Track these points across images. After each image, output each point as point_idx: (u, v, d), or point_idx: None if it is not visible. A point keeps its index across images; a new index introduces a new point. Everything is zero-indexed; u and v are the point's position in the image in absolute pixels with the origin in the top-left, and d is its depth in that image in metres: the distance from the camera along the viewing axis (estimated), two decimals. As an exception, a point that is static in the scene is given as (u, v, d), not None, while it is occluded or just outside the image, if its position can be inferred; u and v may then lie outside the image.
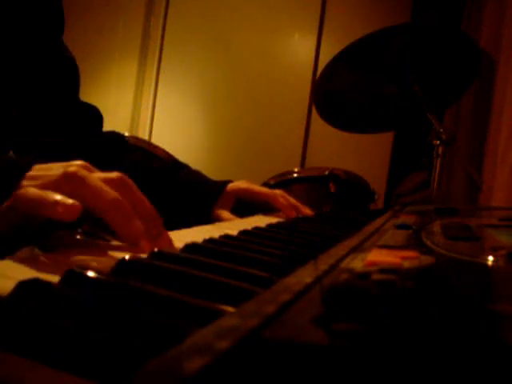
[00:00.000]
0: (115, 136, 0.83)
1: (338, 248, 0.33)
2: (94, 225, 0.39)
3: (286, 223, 0.60)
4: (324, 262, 0.27)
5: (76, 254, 0.31)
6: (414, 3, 2.30)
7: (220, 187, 0.78)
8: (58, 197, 0.33)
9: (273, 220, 0.63)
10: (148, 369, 0.13)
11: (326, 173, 1.43)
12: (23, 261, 0.27)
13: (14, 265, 0.27)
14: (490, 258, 0.31)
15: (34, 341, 0.17)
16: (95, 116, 0.81)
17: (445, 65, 1.40)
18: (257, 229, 0.47)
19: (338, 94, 1.49)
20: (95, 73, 2.70)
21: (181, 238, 0.40)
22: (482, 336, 0.16)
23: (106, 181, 0.36)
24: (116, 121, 2.64)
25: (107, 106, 2.60)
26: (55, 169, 0.37)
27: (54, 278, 0.22)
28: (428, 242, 0.37)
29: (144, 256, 0.29)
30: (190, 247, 0.33)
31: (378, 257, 0.29)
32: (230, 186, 0.79)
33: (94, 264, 0.29)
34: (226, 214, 0.76)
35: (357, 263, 0.27)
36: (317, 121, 1.89)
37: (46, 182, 0.35)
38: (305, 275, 0.23)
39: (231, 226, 0.58)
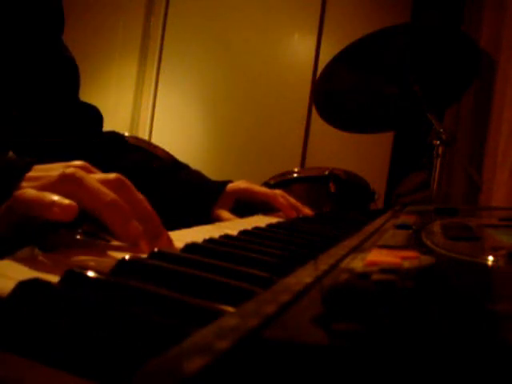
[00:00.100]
0: (115, 136, 0.83)
1: (337, 248, 0.33)
2: (93, 225, 0.39)
3: (286, 223, 0.60)
4: (324, 262, 0.27)
5: (76, 254, 0.31)
6: (414, 3, 2.30)
7: (220, 187, 0.78)
8: (55, 197, 0.33)
9: (273, 220, 0.63)
10: (148, 369, 0.13)
11: (326, 173, 1.43)
12: (23, 261, 0.27)
13: (14, 265, 0.27)
14: (490, 258, 0.31)
15: (33, 341, 0.17)
16: (95, 116, 0.81)
17: (445, 65, 1.40)
18: (257, 229, 0.47)
19: (338, 93, 1.49)
20: (95, 73, 2.70)
21: (181, 238, 0.40)
22: (482, 336, 0.16)
23: (104, 182, 0.36)
24: (116, 121, 2.64)
25: (107, 106, 2.60)
26: (55, 169, 0.37)
27: (54, 278, 0.22)
28: (428, 242, 0.37)
29: (144, 256, 0.29)
30: (190, 247, 0.33)
31: (378, 257, 0.29)
32: (230, 186, 0.79)
33: (94, 264, 0.29)
34: (225, 213, 0.76)
35: (357, 263, 0.27)
36: (317, 121, 1.89)
37: (44, 183, 0.35)
38: (305, 275, 0.23)
39: (231, 225, 0.58)
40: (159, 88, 2.76)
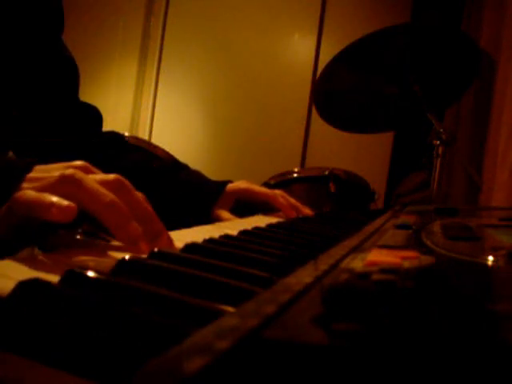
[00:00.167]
0: (115, 136, 0.83)
1: (337, 248, 0.33)
2: (93, 225, 0.39)
3: (286, 223, 0.60)
4: (324, 262, 0.27)
5: (76, 254, 0.31)
6: (414, 3, 2.30)
7: (220, 187, 0.78)
8: (54, 199, 0.33)
9: (273, 220, 0.63)
10: (148, 369, 0.13)
11: (326, 173, 1.43)
12: (23, 261, 0.27)
13: (14, 265, 0.27)
14: (490, 258, 0.31)
15: (34, 341, 0.17)
16: (95, 116, 0.81)
17: (445, 65, 1.40)
18: (257, 229, 0.47)
19: (338, 93, 1.49)
20: (95, 73, 2.70)
21: (181, 238, 0.40)
22: (482, 336, 0.16)
23: (103, 183, 0.36)
24: (116, 121, 2.64)
25: (107, 106, 2.60)
26: (55, 170, 0.37)
27: (54, 278, 0.22)
28: (428, 242, 0.37)
29: (144, 256, 0.29)
30: (190, 247, 0.33)
31: (378, 257, 0.29)
32: (230, 186, 0.79)
33: (94, 264, 0.29)
34: (225, 214, 0.76)
35: (357, 263, 0.27)
36: (317, 121, 1.89)
37: (44, 184, 0.35)
38: (305, 275, 0.23)
39: (231, 225, 0.58)
40: (159, 88, 2.76)
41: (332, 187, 1.41)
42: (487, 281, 0.27)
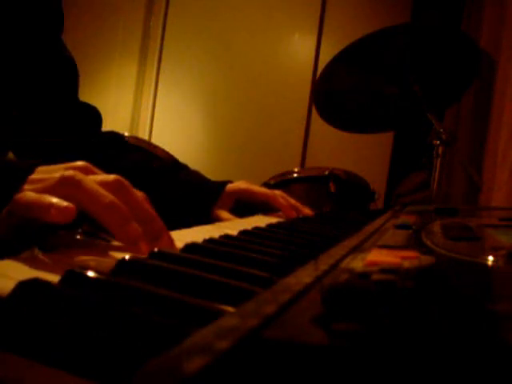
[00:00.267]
0: (115, 136, 0.83)
1: (337, 248, 0.33)
2: (93, 225, 0.39)
3: (286, 223, 0.60)
4: (324, 262, 0.27)
5: (76, 254, 0.31)
6: (414, 3, 2.30)
7: (219, 187, 0.78)
8: (54, 200, 0.33)
9: (273, 220, 0.63)
10: (148, 369, 0.13)
11: (326, 173, 1.43)
12: (23, 261, 0.27)
13: (14, 265, 0.27)
14: (490, 258, 0.31)
15: (34, 341, 0.17)
16: (94, 116, 0.81)
17: (445, 65, 1.40)
18: (257, 229, 0.47)
19: (338, 93, 1.49)
20: (95, 73, 2.71)
21: (181, 238, 0.40)
22: (482, 336, 0.16)
23: (103, 184, 0.36)
24: (116, 121, 2.64)
25: (107, 106, 2.60)
26: (56, 171, 0.37)
27: (54, 278, 0.22)
28: (428, 242, 0.37)
29: (144, 256, 0.29)
30: (190, 247, 0.33)
31: (378, 257, 0.29)
32: (230, 186, 0.79)
33: (94, 264, 0.29)
34: (225, 214, 0.76)
35: (357, 263, 0.27)
36: (317, 121, 1.89)
37: (45, 185, 0.36)
38: (305, 275, 0.23)
39: (231, 225, 0.58)
40: (159, 88, 2.76)
41: (332, 187, 1.41)
42: (487, 281, 0.27)
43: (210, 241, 0.37)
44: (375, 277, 0.24)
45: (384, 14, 2.29)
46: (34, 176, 0.37)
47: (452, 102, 1.62)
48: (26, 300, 0.19)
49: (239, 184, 0.80)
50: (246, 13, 2.62)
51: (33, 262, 0.27)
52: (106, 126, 0.83)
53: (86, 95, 0.84)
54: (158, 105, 2.76)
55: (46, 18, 0.71)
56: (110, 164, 0.50)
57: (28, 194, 0.34)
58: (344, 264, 0.27)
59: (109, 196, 0.35)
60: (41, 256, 0.29)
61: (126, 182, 0.38)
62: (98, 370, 0.15)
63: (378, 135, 1.95)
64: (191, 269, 0.25)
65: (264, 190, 0.80)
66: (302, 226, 0.57)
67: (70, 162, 0.39)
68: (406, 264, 0.27)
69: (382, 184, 2.19)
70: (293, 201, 0.80)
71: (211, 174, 0.86)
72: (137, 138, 1.68)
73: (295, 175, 1.49)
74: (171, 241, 0.39)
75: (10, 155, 0.69)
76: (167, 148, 1.46)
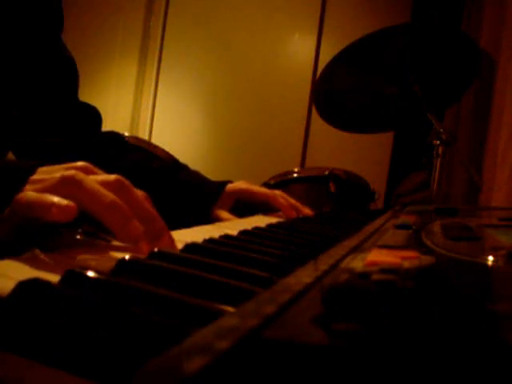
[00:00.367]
0: (115, 136, 0.83)
1: (337, 248, 0.33)
2: (93, 225, 0.39)
3: (286, 223, 0.60)
4: (324, 262, 0.27)
5: (76, 254, 0.31)
6: (414, 3, 2.30)
7: (219, 187, 0.78)
8: (55, 199, 0.33)
9: (273, 220, 0.63)
10: (148, 369, 0.13)
11: (326, 173, 1.43)
12: (23, 261, 0.27)
13: (14, 265, 0.27)
14: (490, 258, 0.31)
15: (34, 341, 0.17)
16: (94, 116, 0.81)
17: (445, 65, 1.40)
18: (257, 229, 0.47)
19: (338, 93, 1.49)
20: (95, 73, 2.71)
21: (181, 237, 0.40)
22: (482, 336, 0.16)
23: (104, 183, 0.36)
24: (116, 121, 2.64)
25: (107, 106, 2.60)
26: (57, 171, 0.37)
27: (54, 278, 0.22)
28: (428, 242, 0.37)
29: (144, 256, 0.29)
30: (190, 247, 0.33)
31: (378, 257, 0.29)
32: (230, 186, 0.79)
33: (94, 264, 0.29)
34: (225, 214, 0.76)
35: (357, 263, 0.27)
36: (317, 121, 1.89)
37: (46, 185, 0.36)
38: (305, 275, 0.23)
39: (231, 225, 0.58)
40: (159, 88, 2.76)
41: (332, 187, 1.41)
42: (487, 281, 0.27)
43: (210, 241, 0.37)
44: (375, 277, 0.24)
45: (384, 14, 2.29)
46: (35, 176, 0.38)
47: (452, 101, 1.62)
48: (26, 300, 0.19)
49: (239, 184, 0.80)
50: (246, 13, 2.62)
51: (33, 262, 0.27)
52: (106, 126, 0.83)
53: (86, 95, 0.84)
54: (158, 105, 2.76)
55: (45, 17, 0.71)
56: (110, 164, 0.50)
57: (29, 193, 0.35)
58: (344, 264, 0.27)
59: (110, 195, 0.35)
60: (41, 256, 0.29)
61: (127, 182, 0.38)
62: (98, 369, 0.15)
63: (378, 135, 1.95)
64: (191, 269, 0.25)
65: (264, 190, 0.80)
66: (302, 225, 0.57)
67: (71, 163, 0.39)
68: (406, 264, 0.27)
69: (381, 184, 2.19)
70: (293, 201, 0.80)
71: (211, 173, 0.86)
72: (137, 138, 1.68)
73: (295, 175, 1.49)
74: (172, 240, 0.39)
75: (10, 155, 0.69)
76: (167, 148, 1.46)
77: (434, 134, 1.35)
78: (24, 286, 0.19)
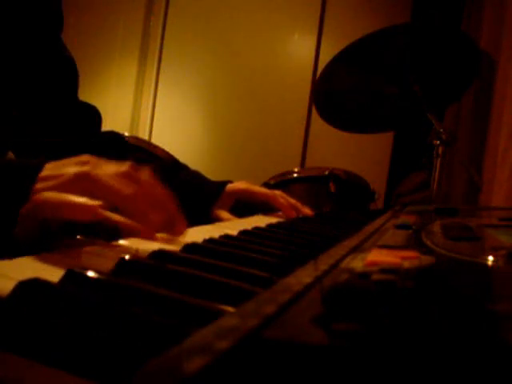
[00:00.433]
0: (115, 136, 0.83)
1: (337, 248, 0.33)
2: (93, 225, 0.39)
3: (286, 223, 0.60)
4: (324, 262, 0.27)
5: (76, 254, 0.31)
6: (414, 3, 2.30)
7: (219, 188, 0.78)
8: (81, 199, 0.33)
9: (273, 220, 0.63)
10: (148, 369, 0.13)
11: (326, 173, 1.43)
12: (23, 261, 0.27)
13: (14, 265, 0.27)
14: (490, 258, 0.31)
15: (34, 341, 0.17)
16: (94, 116, 0.81)
17: (445, 65, 1.40)
18: (257, 229, 0.47)
19: (338, 93, 1.49)
20: (95, 73, 2.70)
21: (181, 238, 0.40)
22: (482, 336, 0.16)
23: (118, 175, 0.37)
24: (116, 121, 2.64)
25: (107, 106, 2.60)
26: (66, 167, 0.37)
27: (54, 278, 0.22)
28: (428, 242, 0.37)
29: (143, 256, 0.29)
30: (190, 247, 0.33)
31: (378, 257, 0.29)
32: (230, 186, 0.79)
33: (94, 264, 0.29)
34: (225, 214, 0.76)
35: (357, 263, 0.27)
36: (317, 121, 1.89)
37: (59, 182, 0.36)
38: (305, 275, 0.23)
39: (231, 225, 0.58)
40: (159, 88, 2.76)
41: (332, 187, 1.41)
42: (487, 281, 0.27)
43: (210, 241, 0.37)
44: (375, 277, 0.24)
45: (384, 14, 2.29)
46: (44, 173, 0.37)
47: (452, 101, 1.62)
48: (26, 300, 0.19)
49: (239, 184, 0.80)
50: (246, 13, 2.62)
51: (33, 262, 0.27)
52: (106, 126, 0.83)
53: (86, 95, 0.84)
54: (158, 105, 2.76)
55: (45, 18, 0.71)
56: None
57: (48, 194, 0.34)
58: (344, 264, 0.27)
59: (126, 188, 0.36)
60: (41, 256, 0.29)
61: (139, 170, 0.39)
62: (98, 369, 0.15)
63: (378, 135, 1.95)
64: (191, 269, 0.25)
65: (264, 190, 0.80)
66: (302, 225, 0.57)
67: (74, 157, 0.39)
68: (406, 264, 0.27)
69: (381, 184, 2.19)
70: (293, 201, 0.80)
71: (211, 173, 0.86)
72: (137, 138, 1.68)
73: (295, 175, 1.49)
74: (185, 225, 0.39)
75: (10, 155, 0.69)
76: (167, 148, 1.46)
77: (433, 134, 1.35)
78: (24, 286, 0.19)
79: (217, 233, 0.40)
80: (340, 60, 1.36)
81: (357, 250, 0.32)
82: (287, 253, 0.33)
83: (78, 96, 0.79)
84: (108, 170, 0.38)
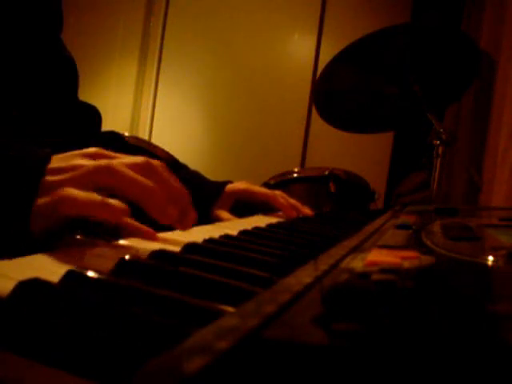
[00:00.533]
0: (114, 136, 0.83)
1: (337, 248, 0.33)
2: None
3: (286, 223, 0.60)
4: (324, 262, 0.27)
5: (76, 254, 0.31)
6: (414, 3, 2.30)
7: (219, 188, 0.78)
8: (111, 200, 0.34)
9: (273, 220, 0.63)
10: (148, 369, 0.13)
11: (326, 173, 1.43)
12: (23, 261, 0.27)
13: (14, 265, 0.27)
14: (490, 258, 0.31)
15: (33, 341, 0.17)
16: (94, 116, 0.81)
17: (445, 65, 1.40)
18: (257, 229, 0.47)
19: (338, 93, 1.49)
20: (95, 73, 2.70)
21: (181, 238, 0.40)
22: (482, 336, 0.16)
23: (134, 167, 0.37)
24: (116, 121, 2.64)
25: (107, 106, 2.60)
26: (77, 159, 0.37)
27: (54, 278, 0.22)
28: (428, 242, 0.37)
29: (143, 256, 0.29)
30: (190, 247, 0.33)
31: (378, 257, 0.29)
32: (230, 186, 0.79)
33: (94, 264, 0.29)
34: (225, 214, 0.76)
35: (357, 263, 0.27)
36: (317, 121, 1.89)
37: (78, 175, 0.35)
38: (305, 275, 0.23)
39: (231, 225, 0.58)
40: (159, 88, 2.76)
41: (332, 187, 1.41)
42: (487, 281, 0.27)
43: (210, 241, 0.37)
44: (375, 277, 0.24)
45: (384, 14, 2.29)
46: (52, 165, 0.37)
47: (452, 101, 1.62)
48: (25, 300, 0.19)
49: (239, 184, 0.80)
50: (246, 13, 2.62)
51: (33, 262, 0.27)
52: (106, 126, 0.83)
53: (86, 95, 0.84)
54: (158, 105, 2.76)
55: (45, 18, 0.71)
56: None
57: (71, 191, 0.34)
58: (344, 264, 0.27)
59: (147, 182, 0.36)
60: (41, 256, 0.29)
61: (155, 163, 0.39)
62: (98, 369, 0.15)
63: (378, 135, 1.95)
64: (191, 269, 0.25)
65: (264, 190, 0.80)
66: (302, 225, 0.57)
67: (82, 150, 0.39)
68: (406, 264, 0.27)
69: (381, 184, 2.19)
70: (293, 201, 0.80)
71: (211, 173, 0.86)
72: (137, 138, 1.68)
73: (295, 175, 1.49)
74: (195, 217, 0.40)
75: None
76: (167, 148, 1.46)
77: (433, 134, 1.35)
78: (24, 286, 0.19)
79: (217, 233, 0.40)
80: (340, 60, 1.36)
81: (357, 249, 0.32)
82: (287, 253, 0.33)
83: (77, 96, 0.79)
84: (126, 162, 0.38)
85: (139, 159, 0.39)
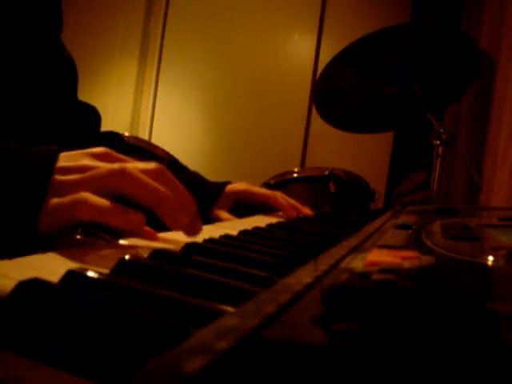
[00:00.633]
0: (114, 136, 0.83)
1: (337, 248, 0.33)
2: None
3: (286, 223, 0.60)
4: (324, 262, 0.27)
5: (76, 254, 0.31)
6: (414, 3, 2.30)
7: (219, 188, 0.78)
8: (132, 212, 0.34)
9: (273, 220, 0.63)
10: (148, 369, 0.13)
11: (326, 173, 1.43)
12: (23, 261, 0.27)
13: (14, 265, 0.27)
14: (490, 258, 0.31)
15: (33, 341, 0.17)
16: (94, 116, 0.81)
17: (445, 65, 1.40)
18: (257, 229, 0.47)
19: (338, 93, 1.49)
20: (95, 73, 2.71)
21: (181, 238, 0.40)
22: (482, 336, 0.16)
23: (147, 173, 0.37)
24: (116, 121, 2.64)
25: (107, 106, 2.60)
26: (78, 157, 0.37)
27: (55, 278, 0.22)
28: (428, 242, 0.37)
29: (143, 256, 0.29)
30: (190, 247, 0.33)
31: (378, 257, 0.29)
32: (229, 187, 0.79)
33: (94, 264, 0.29)
34: (224, 214, 0.76)
35: (357, 263, 0.27)
36: (317, 121, 1.89)
37: (91, 177, 0.35)
38: (305, 275, 0.23)
39: (231, 226, 0.58)
40: (159, 88, 2.76)
41: (332, 187, 1.41)
42: (487, 281, 0.27)
43: (210, 241, 0.37)
44: (375, 277, 0.24)
45: (384, 14, 2.29)
46: (60, 164, 0.37)
47: (452, 101, 1.62)
48: (25, 300, 0.19)
49: (239, 185, 0.80)
50: (246, 13, 2.62)
51: (33, 262, 0.27)
52: (106, 126, 0.83)
53: (86, 95, 0.84)
54: (158, 105, 2.76)
55: (45, 18, 0.71)
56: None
57: (89, 197, 0.34)
58: (344, 264, 0.27)
59: (161, 188, 0.37)
60: (41, 256, 0.29)
61: (166, 169, 0.40)
62: (98, 369, 0.15)
63: (378, 135, 1.95)
64: (191, 269, 0.25)
65: (264, 190, 0.80)
66: (302, 225, 0.57)
67: (89, 149, 0.39)
68: (406, 264, 0.27)
69: (381, 184, 2.19)
70: (292, 201, 0.80)
71: (211, 173, 0.86)
72: (137, 138, 1.68)
73: (295, 175, 1.49)
74: (201, 225, 0.40)
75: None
76: (167, 148, 1.46)
77: (433, 134, 1.35)
78: (24, 286, 0.19)
79: (217, 233, 0.40)
80: (340, 60, 1.36)
81: (357, 249, 0.32)
82: (287, 253, 0.33)
83: (77, 96, 0.79)
84: (139, 167, 0.38)
85: (151, 165, 0.38)
